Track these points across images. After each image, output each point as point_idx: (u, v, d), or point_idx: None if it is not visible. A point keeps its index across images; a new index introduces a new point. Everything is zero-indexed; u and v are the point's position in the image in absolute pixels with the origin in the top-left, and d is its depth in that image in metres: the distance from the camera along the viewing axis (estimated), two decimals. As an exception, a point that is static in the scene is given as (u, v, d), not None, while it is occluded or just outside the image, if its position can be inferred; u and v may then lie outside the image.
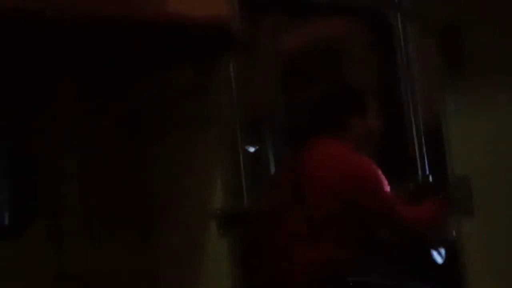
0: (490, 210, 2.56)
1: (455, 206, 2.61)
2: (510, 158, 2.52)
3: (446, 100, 2.65)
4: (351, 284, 3.42)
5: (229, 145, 3.04)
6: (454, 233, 3.49)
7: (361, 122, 3.54)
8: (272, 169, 3.84)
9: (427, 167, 2.75)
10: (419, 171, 2.79)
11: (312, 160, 3.46)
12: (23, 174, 3.23)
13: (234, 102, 3.01)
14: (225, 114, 3.03)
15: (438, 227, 3.47)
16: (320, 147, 3.48)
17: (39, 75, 3.22)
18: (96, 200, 3.29)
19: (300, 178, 3.45)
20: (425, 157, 2.77)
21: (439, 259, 3.66)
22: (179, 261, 3.20)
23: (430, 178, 2.79)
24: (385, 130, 3.87)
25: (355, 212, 3.35)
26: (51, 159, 3.27)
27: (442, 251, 3.68)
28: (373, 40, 4.49)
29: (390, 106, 4.09)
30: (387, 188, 3.40)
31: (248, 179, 3.02)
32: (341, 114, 3.53)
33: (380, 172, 3.38)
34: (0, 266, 3.04)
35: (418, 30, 2.85)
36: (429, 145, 2.98)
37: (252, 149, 3.06)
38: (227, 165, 3.05)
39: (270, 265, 3.40)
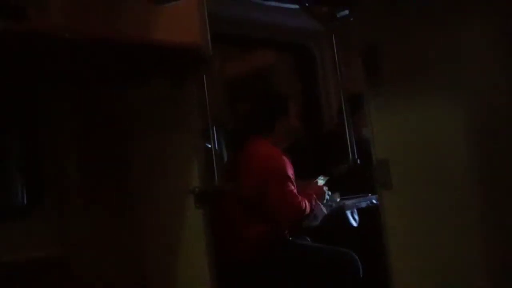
0: (406, 185, 3.36)
1: (378, 182, 3.46)
2: (419, 144, 3.31)
3: (368, 102, 3.47)
4: (293, 241, 4.50)
5: (197, 142, 3.91)
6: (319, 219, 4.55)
7: (284, 122, 4.59)
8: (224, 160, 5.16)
9: (355, 153, 3.64)
10: (350, 157, 3.67)
11: (245, 154, 4.57)
12: (33, 165, 3.95)
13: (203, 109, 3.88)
14: (194, 118, 3.88)
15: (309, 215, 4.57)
16: (251, 144, 4.59)
17: (45, 89, 3.95)
18: (92, 183, 4.10)
19: (237, 167, 4.54)
20: (354, 147, 3.65)
21: (354, 223, 4.71)
22: (163, 230, 4.05)
23: (358, 161, 3.68)
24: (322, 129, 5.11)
25: (265, 196, 4.39)
26: (57, 156, 4.02)
27: (356, 216, 4.73)
28: (298, 65, 5.74)
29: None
30: (290, 179, 4.46)
31: (217, 166, 3.88)
32: (268, 117, 4.61)
33: (288, 165, 4.47)
34: (16, 239, 3.70)
35: (343, 50, 3.69)
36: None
37: (209, 146, 3.91)
38: (201, 156, 3.90)
39: (228, 234, 4.35)
